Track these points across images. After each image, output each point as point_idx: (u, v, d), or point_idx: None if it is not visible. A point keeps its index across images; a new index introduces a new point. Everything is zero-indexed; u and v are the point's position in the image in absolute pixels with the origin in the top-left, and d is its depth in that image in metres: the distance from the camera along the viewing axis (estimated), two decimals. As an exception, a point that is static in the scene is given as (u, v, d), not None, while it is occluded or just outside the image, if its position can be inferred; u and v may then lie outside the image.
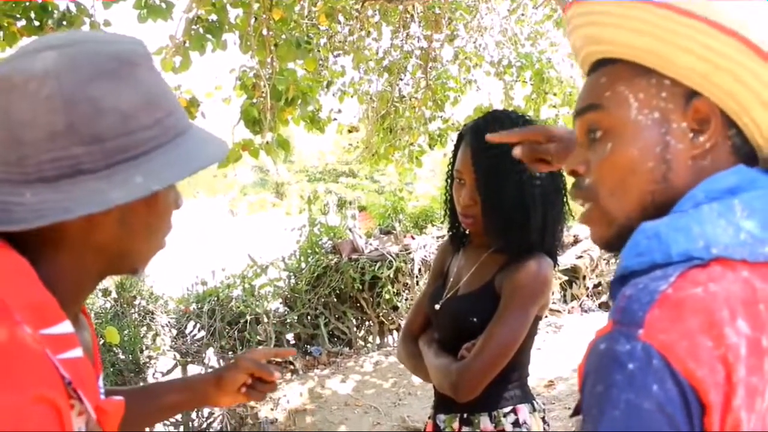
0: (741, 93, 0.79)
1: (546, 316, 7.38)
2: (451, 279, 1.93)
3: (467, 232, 1.93)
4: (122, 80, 0.80)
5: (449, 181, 1.88)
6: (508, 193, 1.70)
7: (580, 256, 7.92)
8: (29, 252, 0.79)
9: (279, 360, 6.42)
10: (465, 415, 1.79)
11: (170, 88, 0.89)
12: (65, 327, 0.78)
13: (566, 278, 7.81)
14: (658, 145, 0.83)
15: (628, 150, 0.84)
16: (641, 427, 0.66)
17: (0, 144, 0.77)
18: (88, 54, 0.79)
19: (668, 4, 0.77)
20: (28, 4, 3.69)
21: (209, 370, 5.99)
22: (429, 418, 1.94)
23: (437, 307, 1.88)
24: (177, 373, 6.09)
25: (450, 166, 1.87)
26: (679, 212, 0.80)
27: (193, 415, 5.64)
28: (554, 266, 1.79)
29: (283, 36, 4.34)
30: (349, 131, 7.50)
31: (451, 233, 1.99)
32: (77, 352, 0.79)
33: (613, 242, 0.90)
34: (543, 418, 1.81)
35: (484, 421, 1.76)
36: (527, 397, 1.81)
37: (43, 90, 0.75)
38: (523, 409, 1.77)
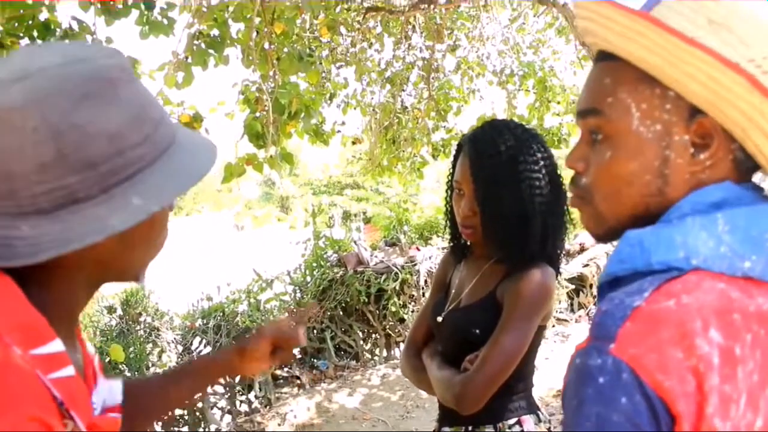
0: (744, 122, 0.78)
1: (553, 326, 7.35)
2: (453, 291, 1.91)
3: (468, 243, 1.91)
4: (105, 101, 0.78)
5: (449, 192, 1.87)
6: (507, 203, 1.68)
7: (587, 265, 7.90)
8: (19, 269, 0.78)
9: (285, 374, 6.40)
10: (470, 428, 1.77)
11: (152, 96, 0.87)
12: (55, 346, 0.77)
13: (573, 287, 7.78)
14: (657, 159, 0.83)
15: (627, 162, 0.85)
16: None
17: None
18: (67, 78, 0.76)
19: (676, 31, 0.77)
20: (30, 22, 3.70)
21: (216, 386, 5.97)
22: (434, 430, 1.92)
23: (439, 319, 1.87)
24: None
25: (449, 177, 1.86)
26: (664, 222, 0.81)
27: (200, 429, 5.61)
28: (557, 275, 1.77)
29: (285, 49, 4.35)
30: (353, 143, 7.51)
31: (452, 244, 1.98)
32: (68, 371, 0.77)
33: (602, 238, 0.93)
34: (549, 429, 1.79)
35: (490, 434, 1.74)
36: (532, 408, 1.79)
37: (28, 122, 0.73)
38: (528, 421, 1.75)
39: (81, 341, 0.97)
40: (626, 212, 0.87)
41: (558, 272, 1.77)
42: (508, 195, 1.68)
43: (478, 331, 1.70)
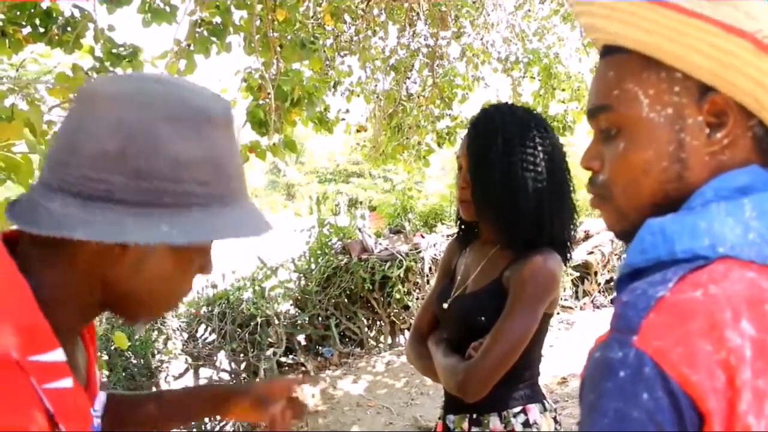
0: (754, 90, 0.76)
1: (558, 313, 7.34)
2: (459, 277, 1.91)
3: (474, 230, 1.92)
4: (190, 130, 0.80)
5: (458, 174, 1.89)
6: (496, 175, 1.70)
7: (591, 252, 7.88)
8: (37, 271, 0.79)
9: (290, 362, 6.42)
10: (474, 416, 1.77)
11: (240, 159, 0.89)
12: (57, 355, 0.76)
13: (578, 274, 7.77)
14: (672, 144, 0.80)
15: (641, 150, 0.82)
16: None
17: (62, 145, 0.79)
18: (172, 96, 0.80)
19: (673, 4, 0.75)
20: (32, 10, 3.70)
21: (221, 373, 6.00)
22: (439, 418, 1.92)
23: (445, 305, 1.87)
24: (189, 377, 6.10)
25: (457, 159, 1.88)
26: (687, 209, 0.78)
27: (206, 418, 5.64)
28: (566, 262, 1.76)
29: (288, 36, 4.33)
30: (358, 131, 7.49)
31: (458, 229, 1.98)
32: (66, 383, 0.77)
33: (627, 234, 0.87)
34: (554, 418, 1.78)
35: (494, 422, 1.73)
36: (537, 396, 1.78)
37: (117, 112, 0.77)
38: (534, 409, 1.75)
39: (87, 343, 0.97)
40: (647, 204, 0.84)
41: (567, 259, 1.77)
42: (497, 167, 1.69)
43: (483, 317, 1.70)
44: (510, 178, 1.69)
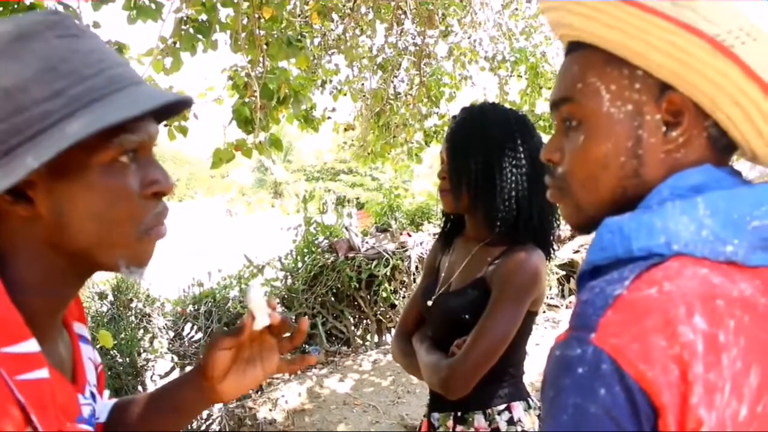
0: (711, 91, 0.78)
1: (543, 311, 7.37)
2: (443, 275, 1.92)
3: (458, 227, 1.93)
4: (7, 56, 0.72)
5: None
6: (472, 165, 1.72)
7: (577, 251, 7.91)
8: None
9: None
10: (459, 413, 1.78)
11: (92, 50, 0.78)
12: (29, 346, 0.74)
13: (563, 273, 7.80)
14: (630, 140, 0.83)
15: (600, 145, 0.84)
16: (588, 430, 0.67)
17: None
18: None
19: (636, 2, 0.76)
20: (16, 6, 3.67)
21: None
22: (424, 416, 1.93)
23: (430, 303, 1.87)
24: (175, 375, 6.07)
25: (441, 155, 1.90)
26: (643, 208, 0.80)
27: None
28: (548, 258, 1.77)
29: (275, 34, 4.32)
30: (345, 129, 7.49)
31: (441, 229, 1.99)
32: (41, 373, 0.74)
33: (583, 228, 0.91)
34: (539, 416, 1.79)
35: (479, 419, 1.74)
36: (522, 394, 1.79)
37: None
38: (518, 407, 1.76)
39: (73, 337, 0.94)
40: (604, 198, 0.86)
41: (549, 255, 1.77)
42: (474, 158, 1.72)
43: (467, 315, 1.70)
44: (489, 165, 1.71)
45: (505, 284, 1.65)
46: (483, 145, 1.71)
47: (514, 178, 1.71)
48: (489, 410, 1.74)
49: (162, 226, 0.86)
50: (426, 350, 1.77)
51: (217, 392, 1.05)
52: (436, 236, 2.05)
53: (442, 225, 1.99)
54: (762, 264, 0.76)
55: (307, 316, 6.80)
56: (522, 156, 1.72)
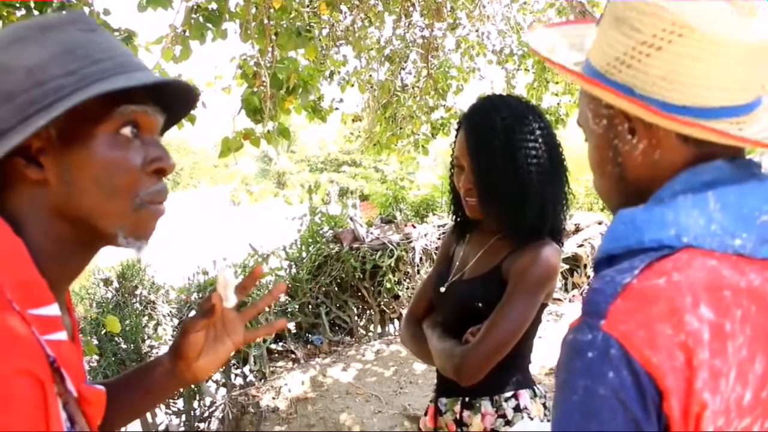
0: (623, 107, 0.86)
1: (547, 305, 7.37)
2: (457, 263, 1.93)
3: (472, 219, 1.93)
4: (32, 41, 0.82)
5: (452, 168, 1.89)
6: (502, 176, 1.70)
7: (581, 245, 7.92)
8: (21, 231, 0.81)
9: (280, 349, 6.44)
10: (467, 399, 1.80)
11: (104, 43, 0.86)
12: (53, 309, 0.79)
13: (567, 267, 7.81)
14: (610, 150, 0.91)
15: (592, 156, 0.96)
16: (597, 411, 0.72)
17: None
18: (10, 28, 0.83)
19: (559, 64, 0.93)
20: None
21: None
22: (431, 401, 1.95)
23: (442, 290, 1.89)
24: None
25: (452, 154, 1.88)
26: (656, 200, 0.84)
27: (195, 404, 5.66)
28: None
29: (284, 24, 4.32)
30: (353, 121, 7.49)
31: (455, 221, 1.99)
32: (62, 335, 0.79)
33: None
34: (544, 404, 1.82)
35: (486, 405, 1.77)
36: (528, 382, 1.81)
37: None
38: (525, 395, 1.78)
39: (70, 310, 0.98)
40: (614, 199, 0.96)
41: (561, 245, 1.79)
42: (503, 168, 1.69)
43: (480, 304, 1.72)
44: (515, 174, 1.69)
45: (522, 277, 1.67)
46: (508, 152, 1.69)
47: (539, 177, 1.70)
48: (496, 397, 1.77)
49: (161, 205, 0.92)
50: (438, 337, 1.79)
51: (193, 371, 1.11)
52: (446, 227, 2.06)
53: (453, 216, 1.99)
54: None
55: (311, 305, 6.83)
56: (541, 150, 1.71)
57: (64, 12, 0.87)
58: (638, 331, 0.72)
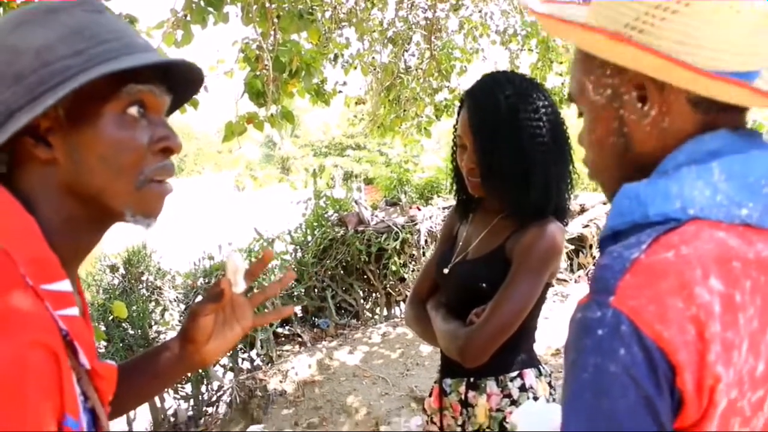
0: (636, 66, 0.84)
1: (552, 285, 7.38)
2: (461, 244, 1.92)
3: (475, 198, 1.91)
4: (40, 23, 0.83)
5: (454, 147, 1.87)
6: (506, 154, 1.68)
7: (587, 225, 7.90)
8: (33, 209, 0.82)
9: (287, 333, 6.47)
10: (471, 380, 1.80)
11: (112, 26, 0.87)
12: (65, 285, 0.79)
13: (573, 247, 7.80)
14: (615, 121, 0.89)
15: (593, 130, 0.93)
16: (607, 388, 0.71)
17: None
18: (18, 12, 0.84)
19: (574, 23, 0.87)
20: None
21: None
22: (435, 382, 1.95)
23: (446, 271, 1.88)
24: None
25: (454, 132, 1.86)
26: (659, 173, 0.83)
27: (203, 388, 5.69)
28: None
29: (286, 7, 4.29)
30: (357, 103, 7.47)
31: (457, 200, 1.98)
32: (74, 311, 0.80)
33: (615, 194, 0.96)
34: (549, 383, 1.82)
35: (491, 386, 1.77)
36: (533, 362, 1.81)
37: None
38: (530, 374, 1.78)
39: (80, 290, 0.98)
40: (614, 174, 0.93)
41: (565, 225, 1.78)
42: (507, 146, 1.68)
43: (484, 284, 1.71)
44: (519, 152, 1.67)
45: (526, 256, 1.66)
46: (512, 130, 1.67)
47: (543, 156, 1.68)
48: (502, 377, 1.77)
49: (167, 184, 0.94)
50: (442, 318, 1.78)
51: (201, 355, 1.13)
52: (453, 206, 2.04)
53: (456, 195, 1.98)
54: None
55: (317, 289, 6.85)
56: (546, 129, 1.69)
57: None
58: (648, 306, 0.71)
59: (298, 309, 6.78)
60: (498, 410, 1.75)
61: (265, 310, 1.23)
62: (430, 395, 1.97)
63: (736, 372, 0.72)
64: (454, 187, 1.96)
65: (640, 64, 0.81)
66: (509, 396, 1.75)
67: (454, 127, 1.86)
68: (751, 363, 0.74)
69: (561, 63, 7.64)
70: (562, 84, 7.84)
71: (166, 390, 5.53)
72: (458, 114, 1.82)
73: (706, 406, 0.72)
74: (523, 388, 1.75)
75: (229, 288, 1.10)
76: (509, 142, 1.67)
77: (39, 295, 0.75)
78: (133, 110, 0.87)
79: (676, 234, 0.76)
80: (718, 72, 0.78)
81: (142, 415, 5.52)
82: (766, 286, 0.76)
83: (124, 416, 5.28)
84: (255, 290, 1.24)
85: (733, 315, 0.72)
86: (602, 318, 0.73)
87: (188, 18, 3.93)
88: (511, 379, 1.76)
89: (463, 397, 1.82)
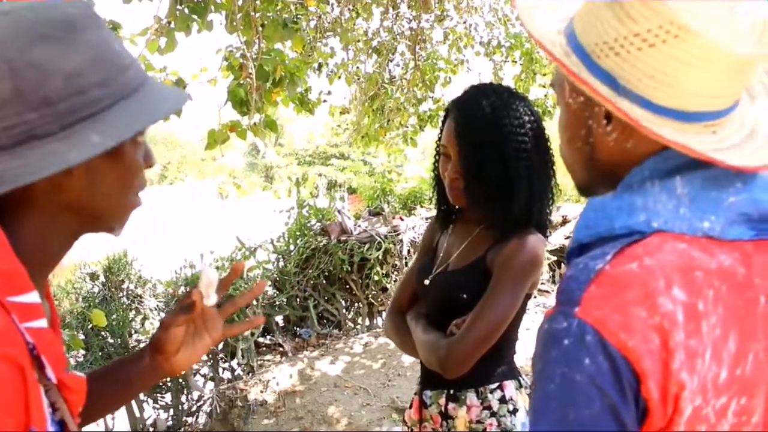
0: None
1: (534, 296, 7.40)
2: (441, 255, 1.92)
3: (456, 208, 1.92)
4: (65, 43, 0.80)
5: (437, 156, 1.87)
6: (490, 166, 1.68)
7: (569, 237, 7.93)
8: (7, 221, 0.81)
9: (269, 342, 6.43)
10: (452, 391, 1.80)
11: (120, 45, 0.90)
12: (32, 297, 0.78)
13: (555, 259, 7.83)
14: (582, 129, 0.90)
15: (564, 130, 0.95)
16: (574, 398, 0.72)
17: None
18: (28, 21, 0.79)
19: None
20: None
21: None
22: (415, 394, 1.94)
23: (426, 281, 1.88)
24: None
25: (438, 142, 1.86)
26: (625, 186, 0.85)
27: (183, 398, 5.64)
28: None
29: (270, 15, 4.29)
30: (341, 113, 7.46)
31: (439, 210, 1.98)
32: (42, 323, 0.79)
33: (582, 193, 0.99)
34: (529, 395, 1.81)
35: (471, 397, 1.76)
36: (514, 373, 1.81)
37: None
38: (510, 386, 1.78)
39: (49, 298, 0.98)
40: (582, 174, 0.95)
41: (546, 237, 1.78)
42: (491, 158, 1.68)
43: (465, 295, 1.71)
44: (503, 164, 1.68)
45: (507, 267, 1.66)
46: (498, 143, 1.67)
47: (527, 171, 1.68)
48: (482, 388, 1.76)
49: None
50: (423, 328, 1.78)
51: (171, 365, 1.14)
52: (434, 216, 2.04)
53: (437, 205, 1.97)
54: (740, 238, 0.80)
55: (298, 298, 6.82)
56: (530, 143, 1.69)
57: (72, 3, 0.85)
58: (613, 316, 0.73)
59: (279, 318, 6.75)
60: (478, 422, 1.75)
61: (245, 318, 1.24)
62: (410, 407, 1.96)
63: (700, 379, 0.74)
64: (435, 197, 1.96)
65: (595, 97, 0.83)
66: (489, 408, 1.75)
67: (438, 136, 1.86)
68: (714, 370, 0.75)
69: (544, 75, 7.69)
70: (545, 96, 7.89)
71: (144, 399, 5.48)
72: (443, 124, 1.82)
73: (671, 413, 0.74)
74: (503, 400, 1.75)
75: (201, 300, 1.11)
76: (494, 154, 1.68)
77: (5, 307, 0.73)
78: (142, 137, 0.94)
79: (641, 246, 0.78)
80: (685, 112, 0.79)
81: (121, 424, 5.46)
82: (728, 295, 0.77)
83: (102, 426, 5.22)
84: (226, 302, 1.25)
85: (697, 323, 0.74)
86: (568, 328, 0.74)
87: (172, 25, 3.92)
88: (491, 391, 1.76)
89: (443, 408, 1.81)
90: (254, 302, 6.21)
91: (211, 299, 1.14)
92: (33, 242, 0.84)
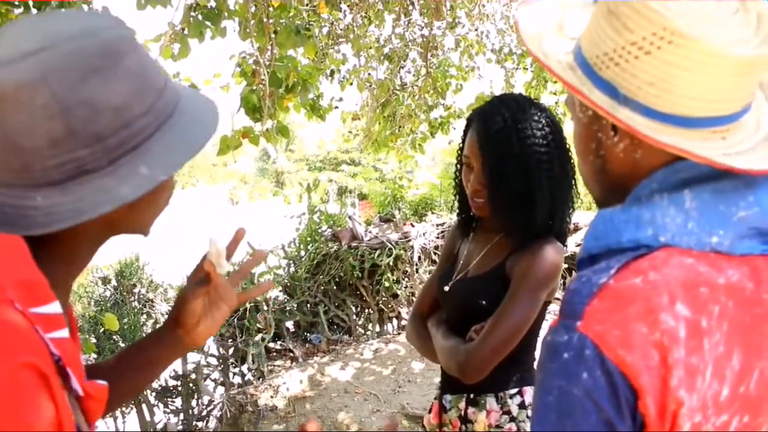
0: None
1: (552, 303, 7.37)
2: (462, 261, 1.94)
3: (476, 217, 1.92)
4: (111, 74, 0.80)
5: (459, 166, 1.88)
6: (513, 178, 1.69)
7: (580, 244, 7.91)
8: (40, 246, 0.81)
9: (279, 348, 6.44)
10: (471, 396, 1.81)
11: (154, 63, 0.89)
12: (54, 307, 0.78)
13: (566, 266, 7.80)
14: (593, 142, 0.91)
15: (577, 144, 0.96)
16: (571, 411, 0.73)
17: (1, 152, 0.77)
18: (76, 53, 0.77)
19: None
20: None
21: (209, 357, 6.00)
22: (435, 398, 1.96)
23: (446, 288, 1.90)
24: (176, 361, 6.08)
25: (459, 151, 1.87)
26: (633, 199, 0.85)
27: (193, 402, 5.65)
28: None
29: (283, 22, 4.32)
30: (352, 119, 7.48)
31: (460, 218, 1.99)
32: (64, 333, 0.79)
33: (599, 204, 0.98)
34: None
35: (491, 402, 1.77)
36: (533, 379, 1.81)
37: (37, 99, 0.75)
38: (529, 391, 1.79)
39: (69, 306, 0.98)
40: (596, 187, 0.96)
41: (564, 245, 1.79)
42: (514, 170, 1.69)
43: (484, 302, 1.73)
44: (528, 176, 1.69)
45: (525, 275, 1.67)
46: (522, 155, 1.68)
47: (550, 182, 1.69)
48: (501, 393, 1.77)
49: None
50: (443, 334, 1.80)
51: (192, 338, 1.16)
52: (455, 224, 2.05)
53: (459, 213, 1.98)
54: (749, 252, 0.79)
55: (309, 304, 6.83)
56: (553, 154, 1.70)
57: (107, 25, 0.83)
58: (613, 331, 0.73)
59: (290, 324, 6.76)
60: (497, 426, 1.76)
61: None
62: (429, 411, 1.98)
63: (699, 397, 0.73)
64: (457, 206, 1.97)
65: (597, 110, 0.84)
66: (509, 413, 1.76)
67: (459, 147, 1.87)
68: (715, 388, 0.75)
69: (555, 82, 7.68)
70: (556, 103, 7.88)
71: (154, 403, 5.50)
72: (465, 134, 1.83)
73: (669, 429, 0.73)
74: (522, 405, 1.76)
75: (214, 270, 1.13)
76: (517, 166, 1.69)
77: (29, 318, 0.74)
78: None
79: (646, 260, 0.78)
80: (689, 117, 0.79)
81: (132, 428, 5.48)
82: (735, 311, 0.77)
83: (113, 429, 5.24)
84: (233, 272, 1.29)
85: (699, 340, 0.74)
86: (568, 342, 0.75)
87: (186, 32, 3.94)
88: (511, 396, 1.77)
89: (462, 413, 1.82)
90: (265, 308, 6.23)
91: (223, 267, 1.15)
92: (63, 251, 0.85)
